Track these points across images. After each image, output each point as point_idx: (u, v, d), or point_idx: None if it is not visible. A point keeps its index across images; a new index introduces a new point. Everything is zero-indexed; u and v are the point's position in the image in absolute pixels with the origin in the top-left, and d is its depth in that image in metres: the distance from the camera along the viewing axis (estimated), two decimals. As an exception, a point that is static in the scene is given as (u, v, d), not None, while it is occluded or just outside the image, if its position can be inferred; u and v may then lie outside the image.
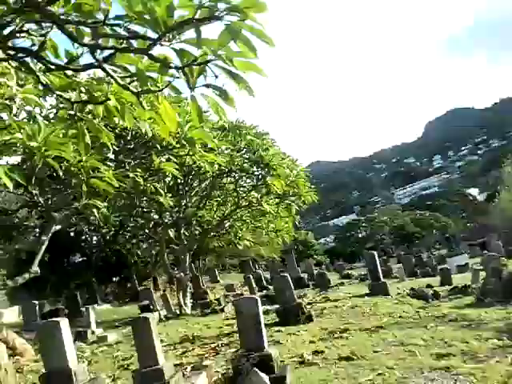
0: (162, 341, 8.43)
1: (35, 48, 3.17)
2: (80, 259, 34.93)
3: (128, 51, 2.91)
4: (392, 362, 7.34)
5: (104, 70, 2.92)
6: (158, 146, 9.13)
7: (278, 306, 13.26)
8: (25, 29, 3.11)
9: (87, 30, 2.89)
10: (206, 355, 9.67)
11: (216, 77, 2.86)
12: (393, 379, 6.45)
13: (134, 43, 2.92)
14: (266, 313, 9.99)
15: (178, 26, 2.67)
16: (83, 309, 18.03)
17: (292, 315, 11.92)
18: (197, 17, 2.61)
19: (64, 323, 7.81)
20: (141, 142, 9.78)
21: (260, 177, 17.72)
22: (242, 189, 19.30)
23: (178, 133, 6.79)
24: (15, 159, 7.73)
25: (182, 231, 19.74)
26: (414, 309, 12.65)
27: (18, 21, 2.96)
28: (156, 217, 19.13)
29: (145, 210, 18.11)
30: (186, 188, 18.99)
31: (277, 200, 19.61)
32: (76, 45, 3.12)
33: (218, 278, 37.09)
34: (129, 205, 16.07)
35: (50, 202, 8.69)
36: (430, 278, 23.99)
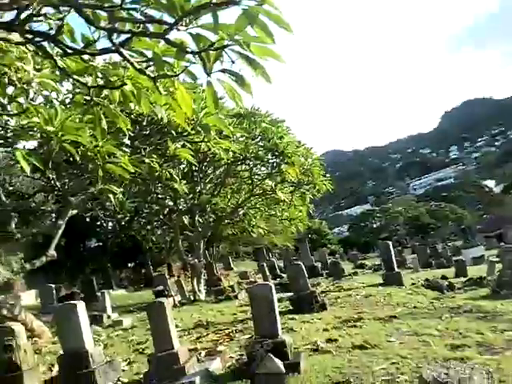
0: (176, 326, 8.48)
1: (52, 32, 3.17)
2: (95, 244, 35.35)
3: (145, 35, 2.89)
4: (406, 351, 7.31)
5: (121, 54, 2.91)
6: (174, 133, 9.13)
7: (291, 293, 13.27)
8: (42, 12, 3.11)
9: (104, 14, 2.87)
10: (220, 341, 9.73)
11: (233, 62, 2.84)
12: (407, 368, 6.43)
13: (151, 28, 2.90)
14: (279, 300, 9.99)
15: (195, 11, 2.64)
16: (99, 293, 18.26)
17: (306, 303, 11.93)
18: (214, 1, 2.58)
19: (81, 306, 7.92)
20: (156, 128, 9.79)
21: (275, 165, 17.65)
22: (256, 176, 19.27)
23: (193, 119, 6.78)
24: (32, 144, 7.80)
25: (196, 218, 19.81)
26: (429, 299, 12.59)
27: (35, 4, 2.96)
28: (171, 203, 19.21)
29: (160, 196, 18.19)
30: (201, 175, 19.02)
31: (291, 188, 19.56)
32: (92, 29, 3.11)
33: (232, 266, 37.24)
34: (144, 191, 16.15)
35: (66, 187, 8.77)
36: (444, 270, 23.86)
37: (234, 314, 13.20)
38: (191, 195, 18.62)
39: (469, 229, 79.39)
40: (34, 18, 3.14)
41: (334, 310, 11.89)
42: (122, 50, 2.89)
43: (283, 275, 26.17)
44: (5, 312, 11.31)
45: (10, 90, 4.25)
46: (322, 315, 11.14)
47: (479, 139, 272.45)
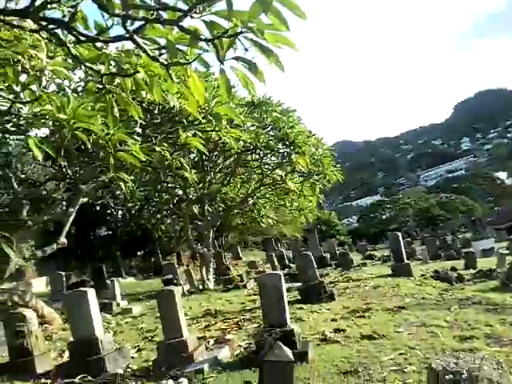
0: (185, 315, 8.56)
1: (66, 19, 3.17)
2: (105, 233, 35.57)
3: (159, 22, 2.89)
4: (414, 342, 7.32)
5: (134, 41, 2.91)
6: (185, 121, 9.14)
7: (299, 283, 13.31)
8: (56, 0, 3.12)
9: (118, 0, 2.87)
10: (229, 330, 9.80)
11: (246, 50, 2.83)
12: (415, 359, 6.45)
13: (164, 15, 2.90)
14: (288, 290, 10.04)
15: (209, -2, 2.63)
16: (108, 281, 18.40)
17: (314, 293, 11.95)
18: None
19: (91, 293, 7.99)
20: (167, 116, 9.81)
21: (285, 154, 17.60)
22: (266, 166, 19.24)
23: (205, 108, 6.78)
24: (43, 132, 7.85)
25: (205, 207, 19.85)
26: (438, 291, 12.56)
27: (49, -9, 2.97)
28: (180, 192, 19.26)
29: (170, 185, 18.24)
30: (211, 164, 19.03)
31: (301, 178, 19.52)
32: (105, 17, 3.12)
33: (241, 255, 37.33)
34: (154, 180, 16.21)
35: (77, 175, 8.83)
36: (454, 261, 23.75)
37: (243, 303, 13.27)
38: (201, 184, 18.65)
39: (479, 221, 78.94)
40: (48, 6, 3.15)
41: (342, 300, 11.91)
42: (135, 37, 2.89)
43: (292, 265, 26.22)
44: (16, 298, 11.46)
45: (23, 77, 4.28)
46: (331, 305, 11.16)
47: (491, 131, 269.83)
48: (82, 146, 7.12)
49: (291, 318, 8.16)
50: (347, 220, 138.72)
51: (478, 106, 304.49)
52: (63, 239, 10.11)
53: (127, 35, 2.89)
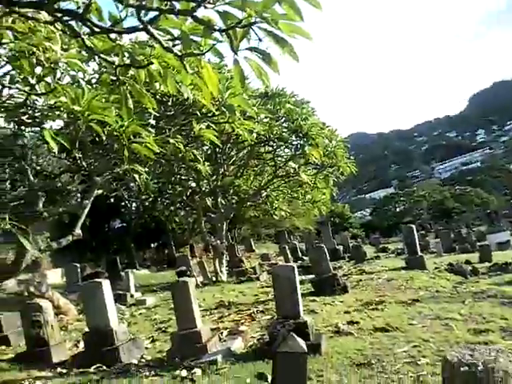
0: (198, 306, 8.61)
1: (80, 11, 3.18)
2: (120, 225, 35.83)
3: (173, 13, 2.88)
4: (428, 334, 7.30)
5: (148, 32, 2.91)
6: (198, 113, 9.14)
7: (313, 276, 13.31)
8: (70, -9, 3.12)
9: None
10: (242, 321, 9.84)
11: (260, 40, 2.81)
12: (428, 352, 6.43)
13: (177, 5, 2.89)
14: (301, 283, 10.02)
15: (223, -12, 2.62)
16: (122, 273, 18.57)
17: (327, 286, 11.95)
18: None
19: (106, 284, 8.07)
20: (181, 108, 9.81)
21: (298, 146, 17.52)
22: (279, 158, 19.20)
23: (218, 100, 6.77)
24: (57, 124, 7.89)
25: (219, 200, 19.88)
26: (452, 284, 12.49)
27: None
28: (194, 184, 19.30)
29: (183, 177, 18.29)
30: (224, 157, 19.04)
31: (314, 171, 19.45)
32: (119, 8, 3.12)
33: (254, 248, 37.38)
34: (167, 172, 16.25)
35: (92, 167, 8.89)
36: (468, 254, 23.55)
37: (256, 295, 13.31)
38: (214, 177, 18.67)
39: (494, 213, 78.10)
40: (63, -3, 3.15)
41: (355, 292, 11.89)
42: (149, 27, 2.89)
43: (305, 258, 26.22)
44: (32, 289, 11.61)
45: (38, 69, 4.30)
46: (344, 298, 11.16)
47: (508, 122, 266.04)
48: (97, 138, 7.17)
49: (304, 310, 8.18)
50: (360, 213, 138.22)
51: (493, 97, 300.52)
52: (78, 231, 10.20)
53: (141, 26, 2.89)
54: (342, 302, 10.66)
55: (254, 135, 13.94)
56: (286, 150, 19.12)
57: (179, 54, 3.12)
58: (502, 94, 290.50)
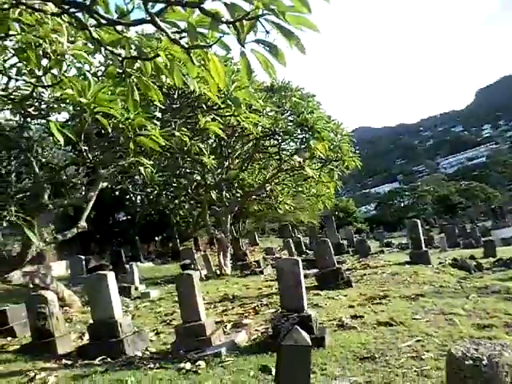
0: (203, 299, 8.64)
1: (87, 2, 3.18)
2: (124, 218, 35.89)
3: (180, 5, 2.87)
4: (431, 329, 7.30)
5: (156, 24, 2.90)
6: (204, 106, 9.14)
7: (317, 270, 13.32)
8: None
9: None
10: (246, 314, 9.87)
11: (267, 32, 2.80)
12: (432, 346, 6.43)
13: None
14: (305, 277, 9.99)
15: (230, -21, 2.61)
16: (127, 265, 18.62)
17: (331, 280, 11.96)
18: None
19: (111, 276, 8.10)
20: (187, 101, 9.81)
21: (303, 140, 17.46)
22: (284, 152, 19.15)
23: (224, 93, 6.77)
24: (63, 116, 7.91)
25: (223, 193, 19.88)
26: (456, 279, 12.47)
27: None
28: (199, 178, 19.30)
29: (188, 170, 18.28)
30: (229, 150, 19.02)
31: (319, 164, 19.39)
32: (126, 0, 3.11)
33: (258, 241, 37.39)
34: (172, 165, 16.25)
35: (97, 159, 8.90)
36: (473, 250, 23.54)
37: (260, 288, 13.34)
38: (219, 170, 18.66)
39: (499, 209, 77.82)
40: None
41: (359, 287, 11.89)
42: (156, 19, 2.88)
43: (309, 252, 26.25)
44: (37, 281, 11.66)
45: (44, 61, 4.30)
46: (348, 292, 11.16)
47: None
48: (102, 131, 7.18)
49: (308, 304, 8.19)
50: (365, 207, 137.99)
51: (500, 92, 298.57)
52: (83, 223, 10.25)
53: (148, 18, 2.89)
54: (345, 296, 10.67)
55: (260, 128, 13.92)
56: (291, 144, 19.06)
57: (186, 46, 3.12)
58: (509, 89, 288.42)
